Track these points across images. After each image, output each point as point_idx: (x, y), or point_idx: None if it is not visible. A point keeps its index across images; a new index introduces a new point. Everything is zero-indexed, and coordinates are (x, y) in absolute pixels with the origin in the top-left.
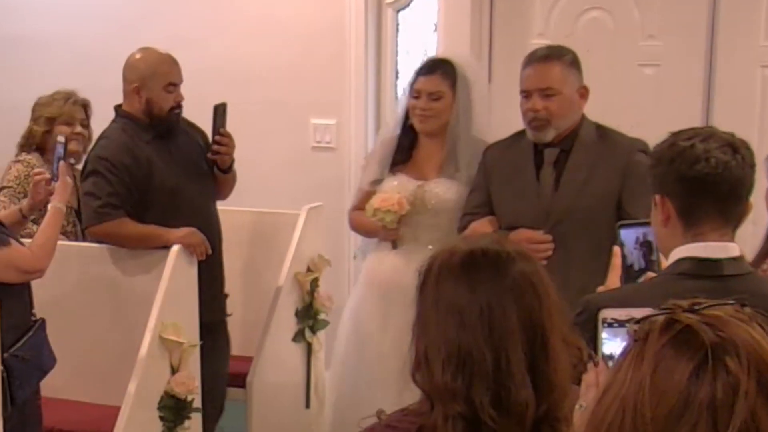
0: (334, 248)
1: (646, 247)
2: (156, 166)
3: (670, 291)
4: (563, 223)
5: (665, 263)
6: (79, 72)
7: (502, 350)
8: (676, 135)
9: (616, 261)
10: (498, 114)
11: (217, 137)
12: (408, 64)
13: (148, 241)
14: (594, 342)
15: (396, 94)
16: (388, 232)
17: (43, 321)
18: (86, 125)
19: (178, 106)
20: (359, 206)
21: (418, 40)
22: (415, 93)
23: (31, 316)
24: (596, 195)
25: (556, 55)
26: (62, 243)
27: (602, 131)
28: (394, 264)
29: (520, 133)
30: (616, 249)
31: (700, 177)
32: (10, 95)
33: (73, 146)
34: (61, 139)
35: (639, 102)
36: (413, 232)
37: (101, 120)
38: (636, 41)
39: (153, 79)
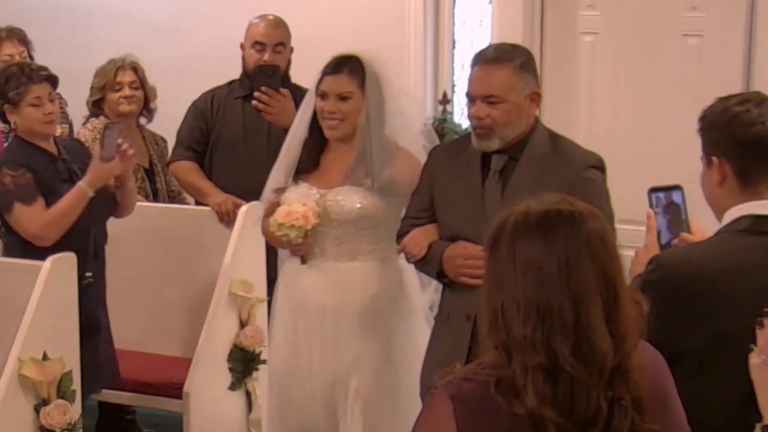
0: None
1: (670, 212)
2: (224, 120)
3: (734, 247)
4: None
5: (693, 223)
6: (152, 42)
7: (582, 303)
8: (725, 100)
9: (651, 223)
10: (549, 86)
11: (256, 94)
12: (464, 35)
13: (197, 194)
14: (667, 301)
15: (453, 63)
16: (294, 247)
17: (90, 282)
18: (138, 86)
19: (275, 66)
20: (268, 214)
21: (473, 11)
22: (321, 94)
23: (83, 278)
24: None
25: (504, 58)
26: (138, 204)
27: (556, 141)
28: (303, 282)
29: (470, 136)
30: (650, 212)
31: (756, 139)
32: (86, 64)
33: (124, 108)
34: (110, 124)
35: (682, 71)
36: (320, 246)
37: (172, 87)
38: (680, 12)
39: (246, 39)
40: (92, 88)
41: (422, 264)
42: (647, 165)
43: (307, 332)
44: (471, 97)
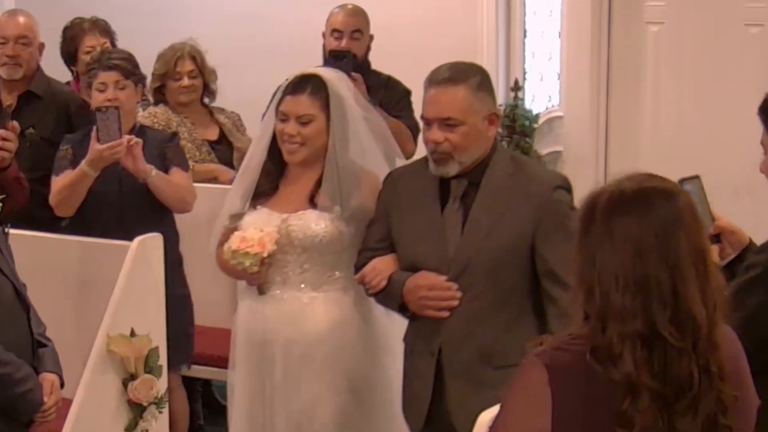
0: None
1: (701, 202)
2: None
3: None
4: (468, 269)
5: (714, 210)
6: (233, 31)
7: (678, 274)
8: None
9: None
10: (616, 74)
11: None
12: (535, 24)
13: None
14: None
15: (524, 51)
16: (250, 276)
17: None
18: (196, 75)
19: (346, 52)
20: (223, 242)
21: (544, 2)
22: (281, 116)
23: None
24: (506, 239)
25: (460, 78)
26: (214, 186)
27: (517, 163)
28: (263, 315)
29: (425, 161)
30: None
31: None
32: None
33: (184, 98)
34: (103, 108)
35: (744, 59)
36: (281, 274)
37: (252, 74)
38: (742, 3)
39: (326, 27)
40: (153, 74)
41: (382, 296)
42: (711, 152)
43: (272, 368)
44: (426, 121)
